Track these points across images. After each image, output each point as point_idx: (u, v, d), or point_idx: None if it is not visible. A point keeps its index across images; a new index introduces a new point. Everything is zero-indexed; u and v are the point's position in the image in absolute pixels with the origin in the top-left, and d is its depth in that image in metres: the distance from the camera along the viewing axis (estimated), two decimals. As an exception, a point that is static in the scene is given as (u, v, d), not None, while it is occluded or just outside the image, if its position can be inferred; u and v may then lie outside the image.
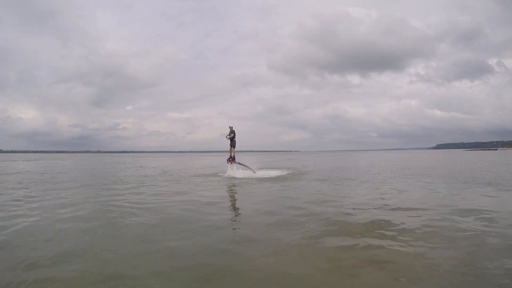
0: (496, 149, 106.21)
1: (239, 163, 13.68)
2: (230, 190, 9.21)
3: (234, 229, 4.74)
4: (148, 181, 11.74)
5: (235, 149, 13.61)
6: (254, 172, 13.10)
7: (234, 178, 12.27)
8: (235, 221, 5.32)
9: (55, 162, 34.35)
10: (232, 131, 13.38)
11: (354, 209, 5.88)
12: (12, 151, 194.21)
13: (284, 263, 3.21)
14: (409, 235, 4.10)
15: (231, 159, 13.52)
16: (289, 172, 15.00)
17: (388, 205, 6.20)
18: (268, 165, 21.39)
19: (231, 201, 7.48)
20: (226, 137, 13.40)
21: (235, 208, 6.54)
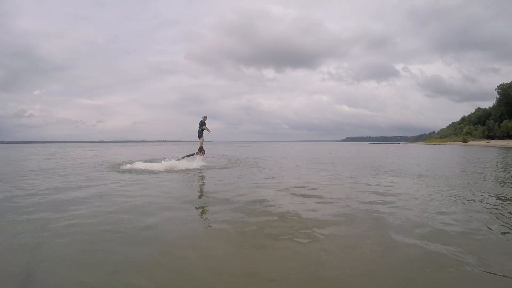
0: (399, 143, 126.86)
1: (187, 156, 12.98)
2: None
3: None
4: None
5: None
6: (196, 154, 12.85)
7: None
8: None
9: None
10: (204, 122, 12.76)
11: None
12: None
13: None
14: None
15: (203, 151, 13.10)
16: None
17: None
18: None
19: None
20: (207, 128, 12.64)
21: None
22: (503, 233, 3.66)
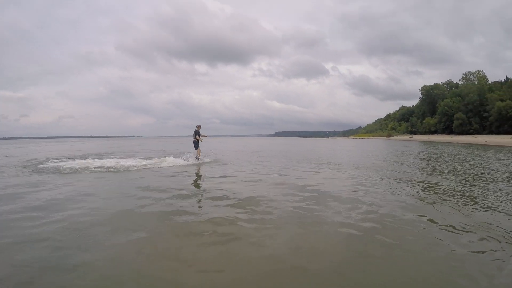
0: (328, 137, 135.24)
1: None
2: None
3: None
4: None
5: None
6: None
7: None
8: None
9: None
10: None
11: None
12: None
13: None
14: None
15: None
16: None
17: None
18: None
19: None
20: (200, 138, 12.75)
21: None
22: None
